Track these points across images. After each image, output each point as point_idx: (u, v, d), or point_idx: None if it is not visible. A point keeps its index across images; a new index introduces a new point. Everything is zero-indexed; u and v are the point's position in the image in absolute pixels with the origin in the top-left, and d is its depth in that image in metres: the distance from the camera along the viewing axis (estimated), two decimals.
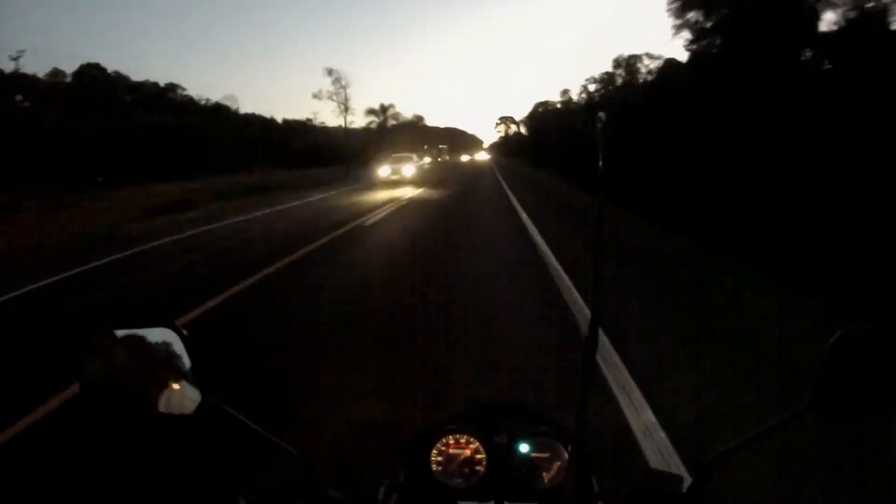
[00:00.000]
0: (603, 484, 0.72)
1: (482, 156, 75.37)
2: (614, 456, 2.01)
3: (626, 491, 0.68)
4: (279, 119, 53.22)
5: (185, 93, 42.79)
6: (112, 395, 0.70)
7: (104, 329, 0.69)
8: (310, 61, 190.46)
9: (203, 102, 43.25)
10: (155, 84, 40.97)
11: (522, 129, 77.91)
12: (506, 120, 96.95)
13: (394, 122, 57.95)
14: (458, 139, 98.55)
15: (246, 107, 78.99)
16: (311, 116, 53.29)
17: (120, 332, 0.69)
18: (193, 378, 0.65)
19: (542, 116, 40.37)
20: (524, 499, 0.73)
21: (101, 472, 2.25)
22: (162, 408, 0.68)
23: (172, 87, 42.77)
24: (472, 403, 0.86)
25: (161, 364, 0.67)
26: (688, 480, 0.66)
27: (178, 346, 0.66)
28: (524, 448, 0.75)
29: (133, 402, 0.69)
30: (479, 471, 0.76)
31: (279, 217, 11.49)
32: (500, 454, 0.76)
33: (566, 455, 0.73)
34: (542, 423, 0.79)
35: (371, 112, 56.34)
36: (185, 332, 0.65)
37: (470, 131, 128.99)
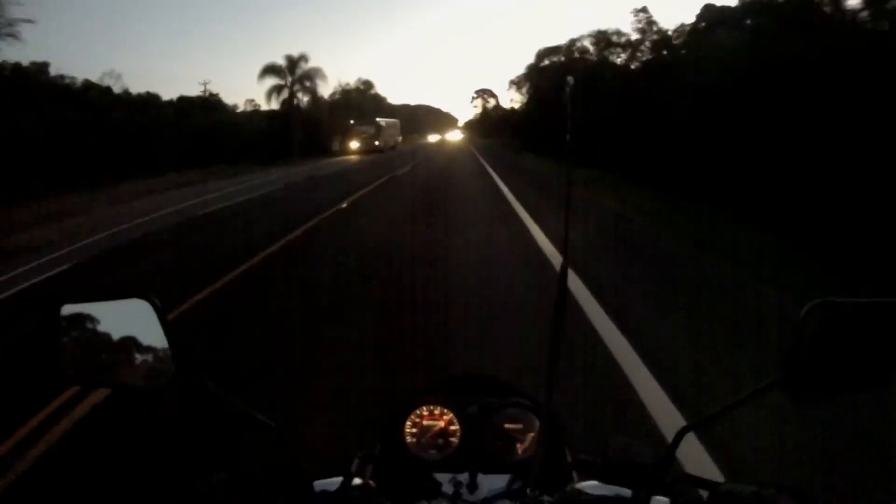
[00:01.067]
0: (575, 454, 0.80)
1: (455, 135, 70.66)
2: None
3: (597, 460, 0.75)
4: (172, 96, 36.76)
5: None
6: (86, 368, 0.74)
7: (77, 302, 0.73)
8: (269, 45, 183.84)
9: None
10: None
11: (505, 102, 73.68)
12: (483, 93, 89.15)
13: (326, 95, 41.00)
14: (428, 117, 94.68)
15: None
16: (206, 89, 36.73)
17: (94, 305, 0.73)
18: (168, 350, 0.69)
19: (551, 72, 26.26)
20: (498, 470, 0.80)
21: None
22: (136, 380, 0.72)
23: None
24: (445, 376, 0.93)
25: (135, 336, 0.71)
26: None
27: (153, 319, 0.69)
28: (497, 419, 0.83)
29: (107, 375, 0.73)
30: (452, 442, 0.83)
31: None
32: (474, 426, 0.83)
33: (538, 425, 0.81)
34: (514, 394, 0.86)
35: (270, 72, 35.40)
36: (159, 303, 0.68)
37: (445, 109, 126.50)
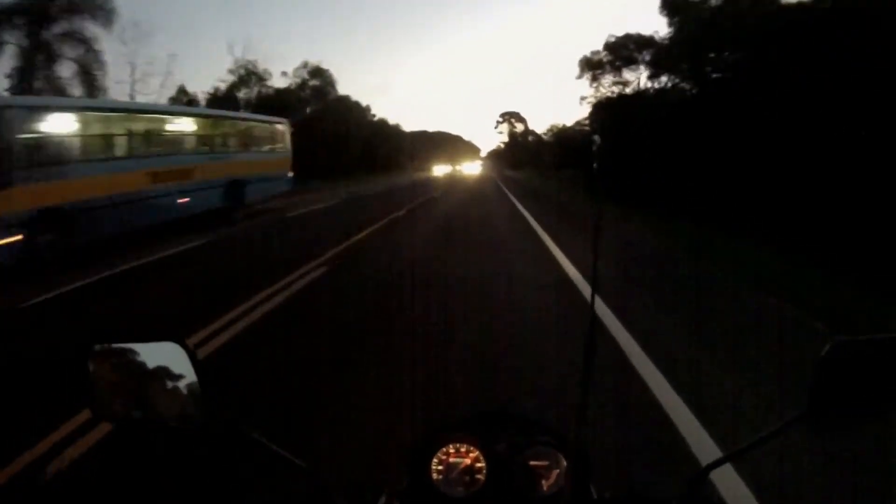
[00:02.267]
0: (601, 492, 0.84)
1: (473, 168, 60.06)
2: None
3: (623, 497, 0.80)
4: None
5: None
6: (118, 408, 0.83)
7: (110, 342, 0.82)
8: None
9: None
10: None
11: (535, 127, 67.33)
12: (510, 117, 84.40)
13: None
14: (442, 144, 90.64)
15: None
16: None
17: (126, 346, 0.82)
18: (200, 392, 0.76)
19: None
20: None
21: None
22: (169, 421, 0.80)
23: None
24: (471, 412, 0.98)
25: (167, 378, 0.79)
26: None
27: (185, 361, 0.77)
28: (524, 456, 0.88)
29: (139, 415, 0.81)
30: (479, 479, 0.88)
31: None
32: (500, 463, 0.89)
33: (565, 463, 0.87)
34: (540, 431, 0.93)
35: None
36: (191, 346, 0.77)
37: (466, 138, 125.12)
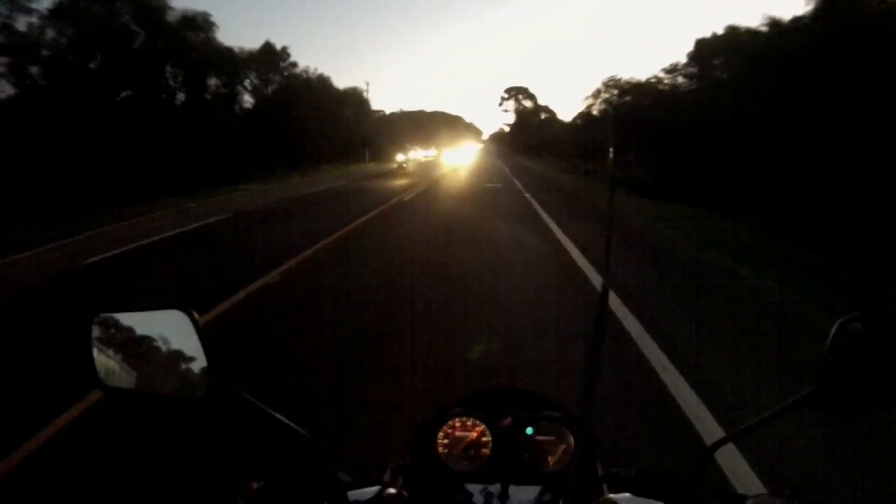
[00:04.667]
0: (607, 467, 1.01)
1: (467, 151, 56.43)
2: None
3: (630, 474, 0.93)
4: None
5: None
6: (122, 377, 0.95)
7: (114, 312, 0.95)
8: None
9: None
10: None
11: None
12: (517, 93, 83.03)
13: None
14: (437, 126, 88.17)
15: None
16: None
17: (130, 316, 0.95)
18: (204, 361, 0.88)
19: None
20: (529, 481, 1.00)
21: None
22: (172, 390, 0.92)
23: None
24: (477, 389, 1.14)
25: (171, 347, 0.91)
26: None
27: (189, 330, 0.89)
28: (529, 431, 1.04)
29: (143, 384, 0.94)
30: (484, 454, 1.03)
31: None
32: (506, 437, 1.04)
33: (570, 439, 1.02)
34: (546, 407, 1.08)
35: None
36: (195, 315, 0.89)
37: (468, 119, 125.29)
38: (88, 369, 0.93)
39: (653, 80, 31.06)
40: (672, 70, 29.92)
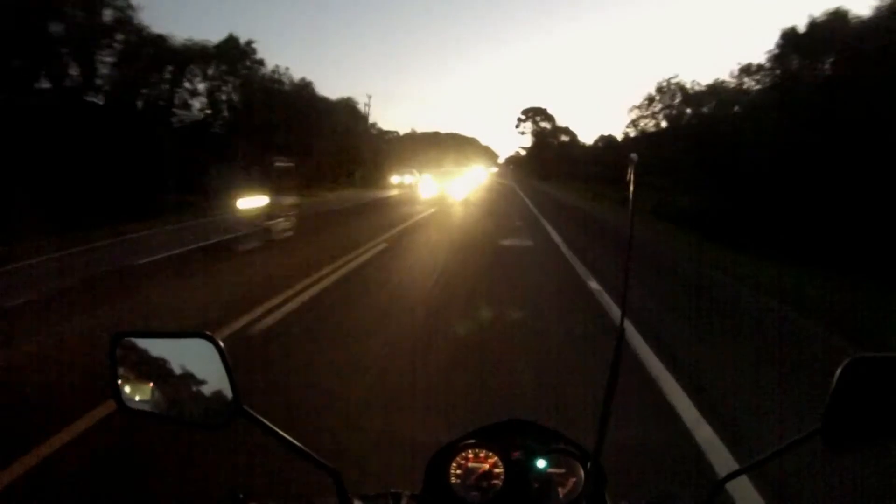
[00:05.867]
0: (617, 500, 1.10)
1: (473, 178, 52.16)
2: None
3: None
4: None
5: None
6: (144, 400, 1.03)
7: (138, 335, 1.05)
8: None
9: None
10: None
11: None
12: (534, 114, 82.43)
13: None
14: (447, 148, 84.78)
15: None
16: None
17: (153, 338, 1.05)
18: (229, 390, 0.96)
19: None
20: None
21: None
22: (195, 417, 1.01)
23: None
24: (491, 422, 1.25)
25: (195, 373, 1.00)
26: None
27: (213, 356, 0.97)
28: (541, 464, 1.14)
29: (165, 409, 1.02)
30: (496, 485, 1.14)
31: None
32: (518, 469, 1.14)
33: (581, 471, 1.12)
34: (558, 440, 1.18)
35: None
36: (220, 342, 0.98)
37: (484, 142, 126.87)
38: (110, 389, 1.01)
39: (728, 83, 26.93)
40: (748, 71, 25.03)
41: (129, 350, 1.03)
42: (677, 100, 34.11)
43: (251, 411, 0.94)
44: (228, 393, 0.95)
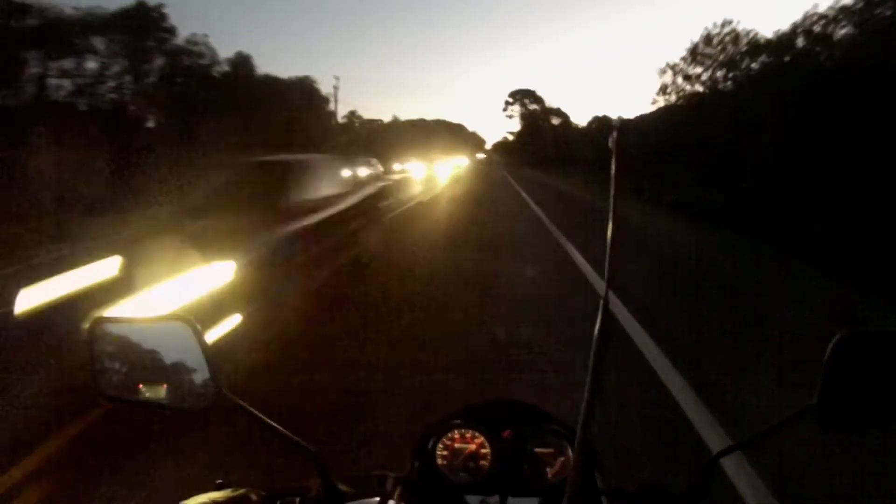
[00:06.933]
0: (607, 480, 1.10)
1: (454, 165, 51.65)
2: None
3: (631, 488, 1.06)
4: None
5: None
6: (123, 386, 1.02)
7: (116, 321, 1.04)
8: None
9: None
10: None
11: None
12: (522, 96, 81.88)
13: None
14: (433, 135, 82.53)
15: None
16: None
17: (130, 322, 1.05)
18: (207, 372, 0.95)
19: None
20: (528, 493, 1.10)
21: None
22: (174, 401, 1.00)
23: None
24: (477, 401, 1.25)
25: (173, 357, 0.99)
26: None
27: (192, 340, 0.96)
28: (529, 443, 1.14)
29: (144, 394, 1.01)
30: (483, 465, 1.14)
31: None
32: (506, 449, 1.14)
33: (570, 451, 1.12)
34: (546, 420, 1.19)
35: None
36: (198, 326, 0.97)
37: (471, 128, 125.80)
38: (89, 376, 0.99)
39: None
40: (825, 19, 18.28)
41: (107, 335, 1.02)
42: (743, 47, 24.69)
43: (230, 395, 0.94)
44: (207, 376, 0.94)
